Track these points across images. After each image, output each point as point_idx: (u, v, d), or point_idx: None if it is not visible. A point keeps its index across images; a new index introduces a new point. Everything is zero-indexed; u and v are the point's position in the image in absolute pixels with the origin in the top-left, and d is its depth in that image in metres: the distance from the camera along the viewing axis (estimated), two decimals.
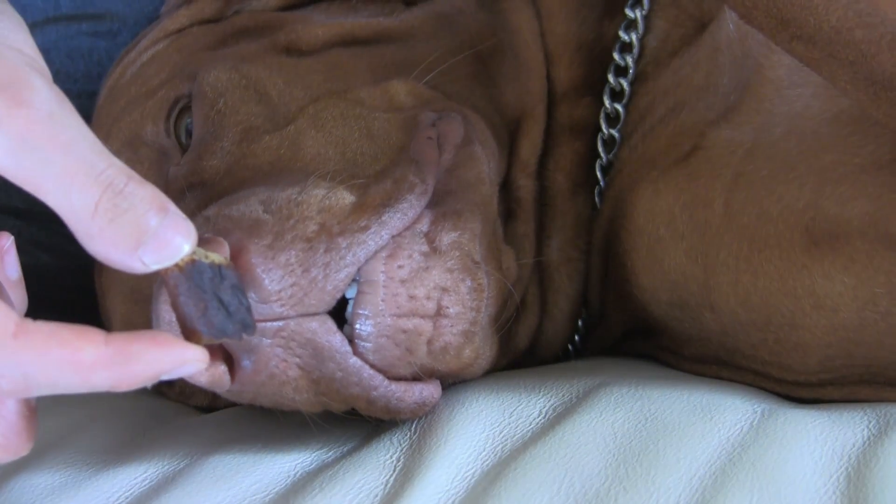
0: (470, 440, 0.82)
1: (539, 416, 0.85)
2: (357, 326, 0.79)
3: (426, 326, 0.81)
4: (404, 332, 0.80)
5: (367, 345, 0.79)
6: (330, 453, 0.85)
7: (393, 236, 0.80)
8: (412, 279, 0.80)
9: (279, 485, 0.82)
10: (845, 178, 0.86)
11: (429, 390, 0.84)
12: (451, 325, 0.81)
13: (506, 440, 0.82)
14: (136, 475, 0.85)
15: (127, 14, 1.25)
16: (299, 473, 0.83)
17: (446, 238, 0.82)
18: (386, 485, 0.79)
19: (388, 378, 0.81)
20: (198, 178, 0.90)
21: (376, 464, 0.81)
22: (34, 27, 1.19)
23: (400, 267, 0.80)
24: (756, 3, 0.77)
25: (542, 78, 1.02)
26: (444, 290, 0.81)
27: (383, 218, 0.80)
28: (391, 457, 0.82)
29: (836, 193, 0.86)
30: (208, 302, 0.70)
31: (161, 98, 0.98)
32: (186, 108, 0.96)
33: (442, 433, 0.83)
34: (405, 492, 0.78)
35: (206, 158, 0.91)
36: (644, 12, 1.00)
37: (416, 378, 0.83)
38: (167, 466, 0.86)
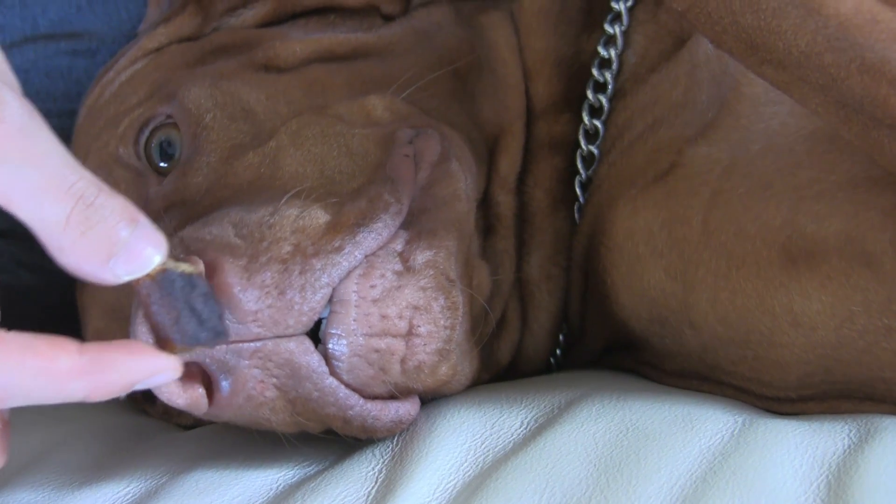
0: (452, 451, 0.82)
1: (521, 427, 0.85)
2: (330, 346, 0.79)
3: (399, 345, 0.80)
4: (377, 351, 0.80)
5: (341, 364, 0.79)
6: (312, 466, 0.85)
7: (367, 256, 0.80)
8: (384, 298, 0.80)
9: (261, 498, 0.82)
10: (822, 196, 0.86)
11: (405, 408, 0.83)
12: (425, 344, 0.81)
13: (487, 451, 0.82)
14: (118, 490, 0.85)
15: (105, 32, 1.25)
16: (281, 486, 0.83)
17: (421, 257, 0.82)
18: (368, 496, 0.79)
19: (364, 397, 0.81)
20: (179, 197, 0.90)
21: (358, 475, 0.81)
22: (12, 47, 1.20)
23: (372, 287, 0.80)
24: (726, 28, 0.77)
25: (521, 94, 1.02)
26: (417, 308, 0.81)
27: (357, 238, 0.80)
28: (373, 468, 0.82)
29: (813, 211, 0.86)
30: (180, 310, 0.70)
31: (132, 120, 0.98)
32: (159, 128, 0.96)
33: (424, 444, 0.83)
34: (387, 503, 0.78)
35: (190, 176, 0.91)
36: (623, 28, 1.00)
37: (392, 396, 0.83)
38: (149, 481, 0.86)
